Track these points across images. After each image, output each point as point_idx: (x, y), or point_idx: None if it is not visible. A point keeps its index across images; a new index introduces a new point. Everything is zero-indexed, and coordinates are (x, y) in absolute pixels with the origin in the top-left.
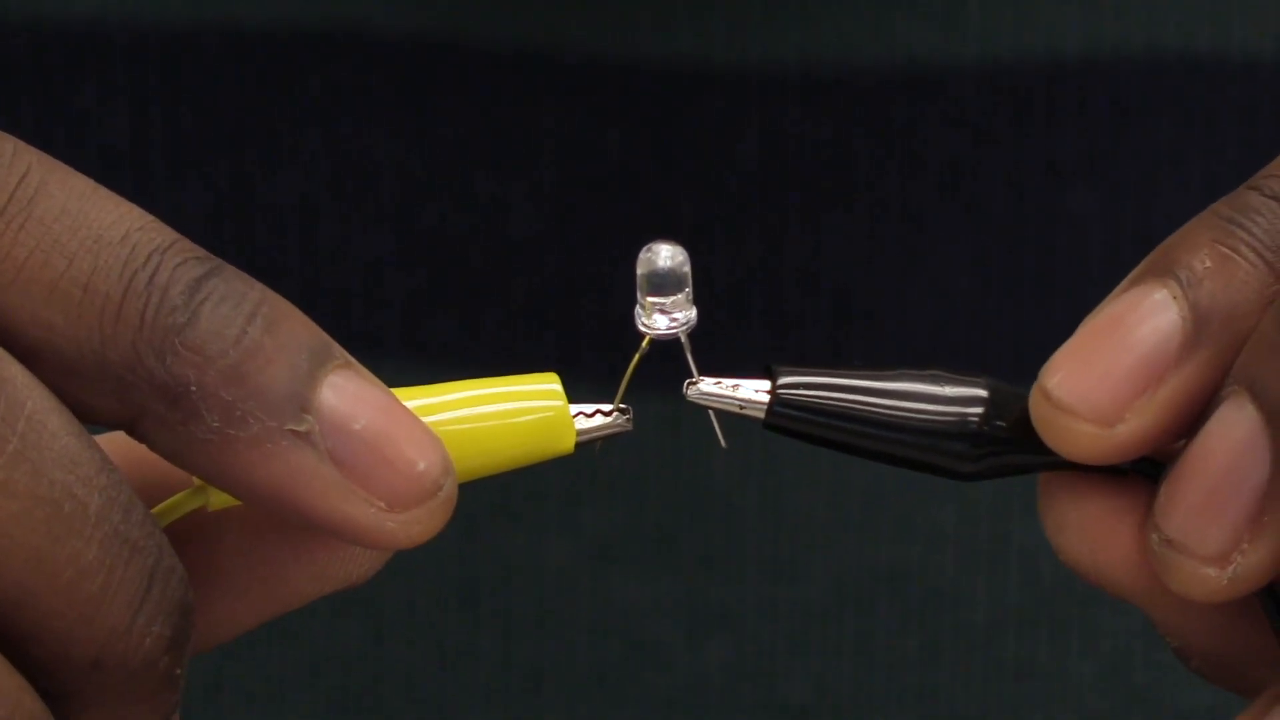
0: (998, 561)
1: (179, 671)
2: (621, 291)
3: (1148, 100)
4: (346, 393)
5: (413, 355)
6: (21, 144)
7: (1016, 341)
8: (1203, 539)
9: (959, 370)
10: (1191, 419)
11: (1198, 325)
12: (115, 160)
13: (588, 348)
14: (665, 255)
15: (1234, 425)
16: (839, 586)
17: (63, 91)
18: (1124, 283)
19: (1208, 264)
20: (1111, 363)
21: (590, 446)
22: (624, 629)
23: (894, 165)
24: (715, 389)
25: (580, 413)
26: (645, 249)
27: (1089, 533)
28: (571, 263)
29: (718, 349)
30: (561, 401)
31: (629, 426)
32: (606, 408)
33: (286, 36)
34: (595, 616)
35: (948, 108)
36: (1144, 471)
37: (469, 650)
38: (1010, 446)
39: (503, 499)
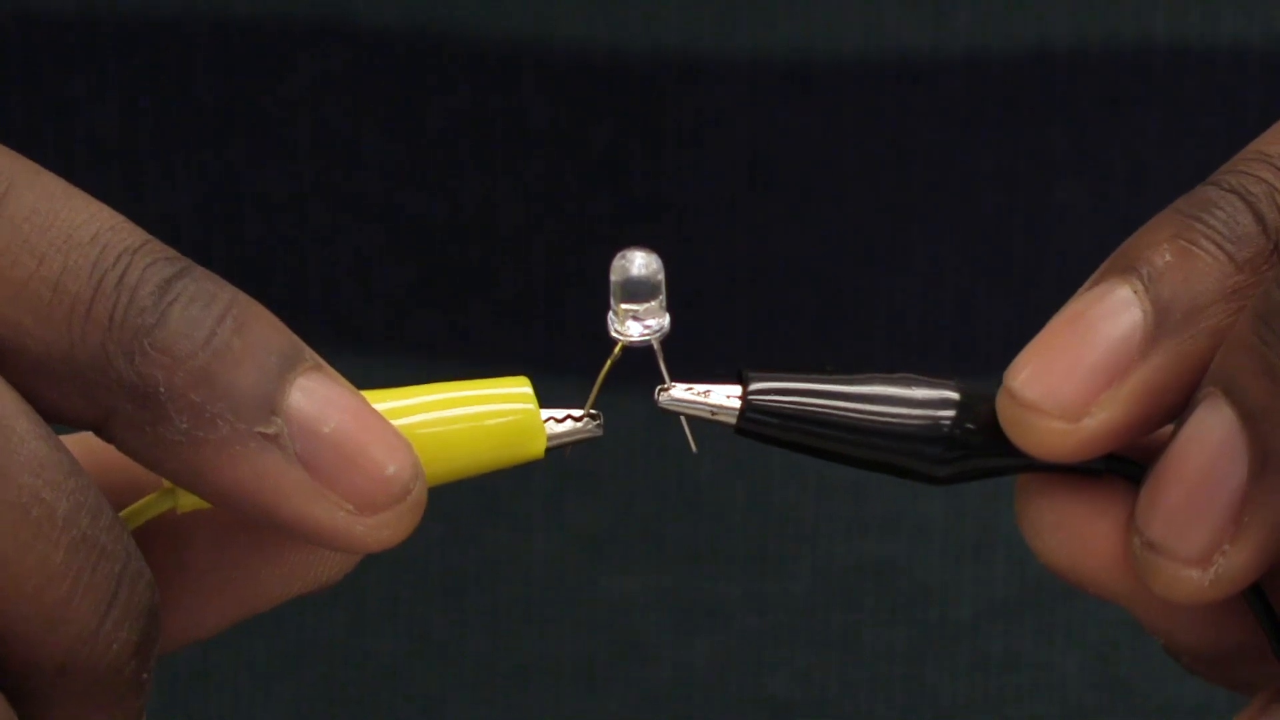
0: (984, 555)
1: (145, 676)
2: (607, 286)
3: (1137, 91)
4: (316, 395)
5: (399, 349)
6: None
7: (1005, 335)
8: (1183, 541)
9: (930, 373)
10: (1158, 412)
11: (1160, 318)
12: (103, 152)
13: (574, 342)
14: (639, 263)
15: (1211, 427)
16: (825, 581)
17: (51, 83)
18: (1087, 282)
19: (1168, 258)
20: (1075, 358)
21: (560, 451)
22: (610, 624)
23: (882, 157)
24: (687, 395)
25: (551, 417)
26: (619, 256)
27: (1066, 534)
28: (559, 256)
29: (705, 343)
30: (532, 405)
31: (599, 432)
32: (578, 413)
33: (274, 28)
34: (582, 611)
35: (936, 99)
36: (1119, 471)
37: (455, 644)
38: (983, 449)
39: (489, 493)
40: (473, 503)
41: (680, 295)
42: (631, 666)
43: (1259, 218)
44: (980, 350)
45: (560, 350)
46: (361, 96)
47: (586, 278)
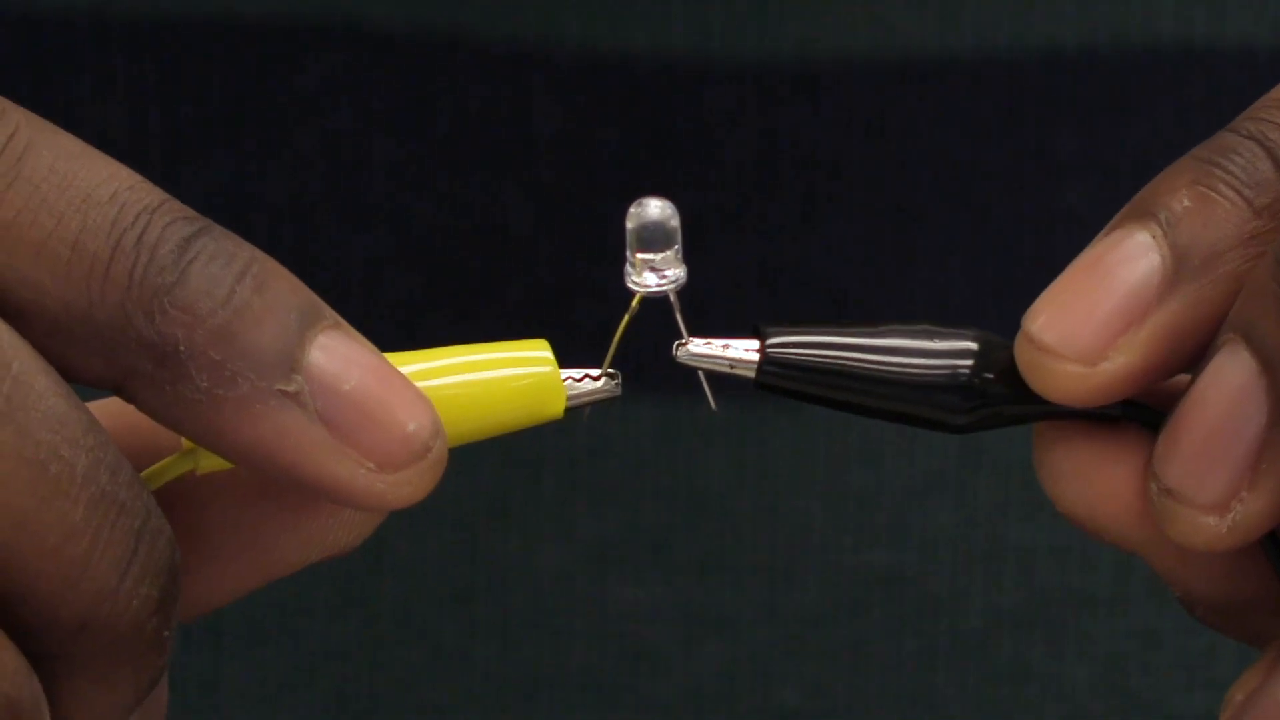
0: (993, 565)
1: (167, 634)
2: (618, 289)
3: (1145, 91)
4: (336, 353)
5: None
6: (9, 103)
7: (1013, 336)
8: (1201, 487)
9: (948, 323)
10: (1176, 358)
11: (1178, 263)
12: (111, 153)
13: (584, 345)
14: (655, 208)
15: (1230, 373)
16: (834, 591)
17: (59, 83)
18: (1106, 227)
19: (1186, 204)
20: (1093, 303)
21: (579, 413)
22: (620, 633)
23: (890, 160)
24: (705, 349)
25: (570, 377)
26: (634, 204)
27: (1085, 481)
28: (568, 260)
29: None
30: (551, 366)
31: (618, 391)
32: (595, 372)
33: (283, 30)
34: (591, 621)
35: (944, 100)
36: (1137, 418)
37: (465, 653)
38: (1002, 397)
39: (498, 502)
40: (483, 512)
41: (687, 298)
42: (640, 676)
43: (1278, 164)
44: None
45: (569, 354)
46: (370, 100)
47: (595, 281)
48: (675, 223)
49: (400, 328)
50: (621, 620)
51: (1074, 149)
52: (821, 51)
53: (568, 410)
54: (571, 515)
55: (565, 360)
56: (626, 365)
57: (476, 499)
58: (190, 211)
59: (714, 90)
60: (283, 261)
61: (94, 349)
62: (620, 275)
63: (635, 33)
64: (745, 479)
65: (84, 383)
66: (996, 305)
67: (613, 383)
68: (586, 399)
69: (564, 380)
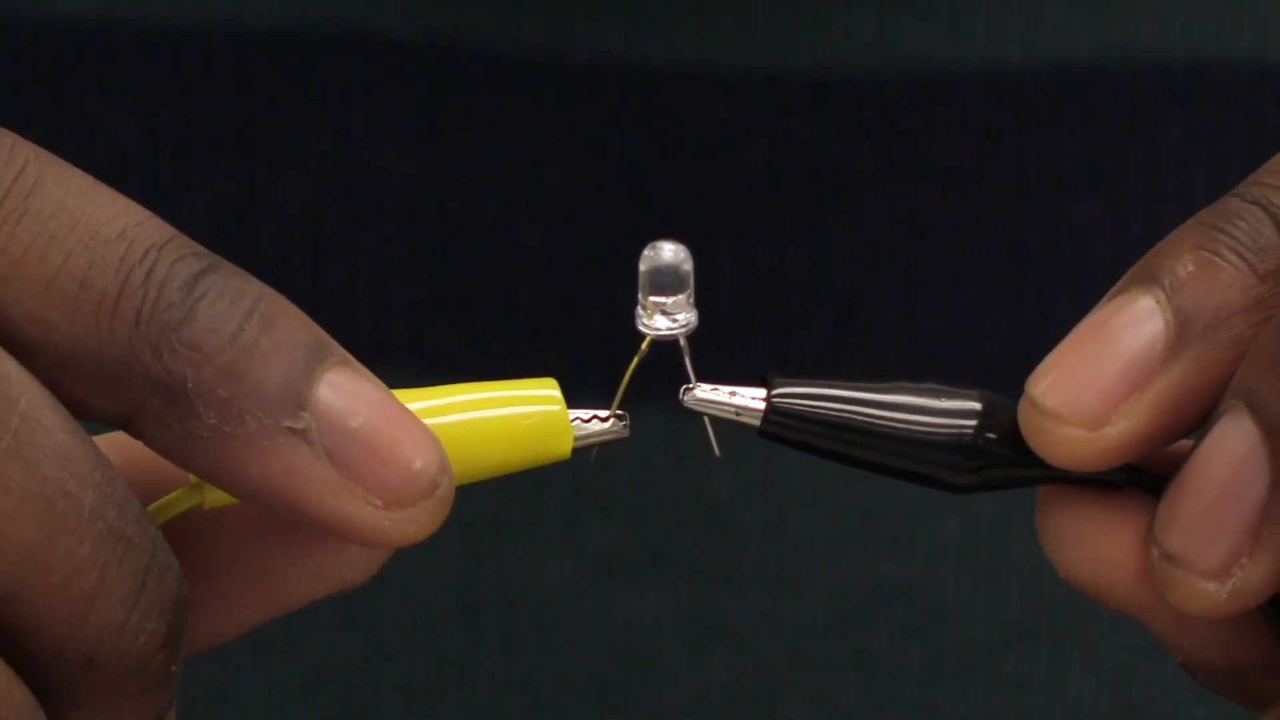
0: (998, 576)
1: (174, 669)
2: (627, 300)
3: (1154, 106)
4: (344, 390)
5: (417, 362)
6: (19, 139)
7: (1021, 349)
8: (1202, 554)
9: (955, 382)
10: (1179, 422)
11: (1182, 329)
12: (121, 162)
13: (593, 356)
14: (669, 252)
15: (1232, 440)
16: (840, 602)
17: (70, 92)
18: (1110, 292)
19: (1190, 269)
20: (1097, 367)
21: (586, 453)
22: (625, 645)
23: (899, 171)
24: (712, 395)
25: (578, 418)
26: (649, 247)
27: (1087, 547)
28: (577, 270)
29: (722, 355)
30: (559, 405)
31: (626, 433)
32: (604, 413)
33: (293, 39)
34: (596, 632)
35: (954, 113)
36: (1140, 484)
37: (470, 665)
38: (1005, 459)
39: (504, 514)
40: (488, 523)
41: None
42: (646, 688)
43: None
44: (995, 365)
45: (578, 365)
46: (379, 108)
47: (604, 293)
48: (688, 266)
49: (408, 336)
50: (627, 632)
51: (1083, 162)
52: (832, 63)
53: (575, 450)
54: (577, 527)
55: (572, 370)
56: (633, 378)
57: (482, 510)
58: (198, 247)
59: (724, 101)
60: (292, 270)
61: (101, 385)
62: (627, 284)
63: (646, 43)
64: (751, 490)
65: (91, 419)
66: (1004, 317)
67: (621, 424)
68: (594, 439)
69: (572, 420)
